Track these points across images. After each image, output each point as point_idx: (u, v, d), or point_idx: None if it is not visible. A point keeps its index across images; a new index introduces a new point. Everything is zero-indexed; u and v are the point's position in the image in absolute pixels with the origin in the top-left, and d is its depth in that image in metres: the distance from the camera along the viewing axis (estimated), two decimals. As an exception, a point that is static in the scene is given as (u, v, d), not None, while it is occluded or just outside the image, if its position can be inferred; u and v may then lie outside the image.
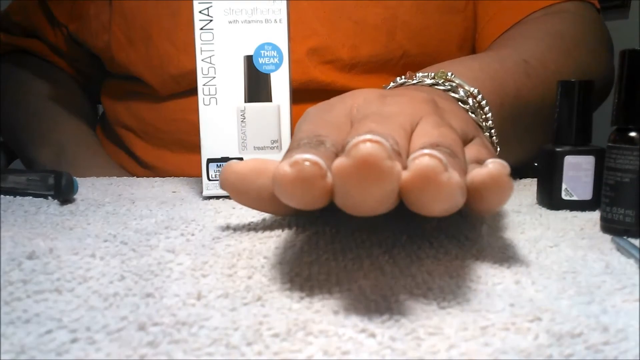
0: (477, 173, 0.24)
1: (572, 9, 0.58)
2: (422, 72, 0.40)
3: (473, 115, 0.37)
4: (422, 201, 0.22)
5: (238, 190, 0.29)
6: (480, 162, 0.29)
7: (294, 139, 0.29)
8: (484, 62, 0.46)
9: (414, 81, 0.39)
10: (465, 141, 0.31)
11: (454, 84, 0.38)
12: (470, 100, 0.38)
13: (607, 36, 0.59)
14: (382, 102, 0.31)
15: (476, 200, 0.25)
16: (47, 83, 0.70)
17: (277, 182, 0.22)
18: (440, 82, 0.38)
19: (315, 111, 0.32)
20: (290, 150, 0.27)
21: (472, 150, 0.31)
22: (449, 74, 0.39)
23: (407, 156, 0.26)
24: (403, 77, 0.41)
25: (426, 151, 0.22)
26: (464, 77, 0.39)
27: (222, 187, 0.29)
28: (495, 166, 0.24)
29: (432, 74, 0.39)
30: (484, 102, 0.38)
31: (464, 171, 0.26)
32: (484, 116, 0.38)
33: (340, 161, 0.20)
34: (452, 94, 0.38)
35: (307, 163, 0.22)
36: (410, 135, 0.28)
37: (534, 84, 0.47)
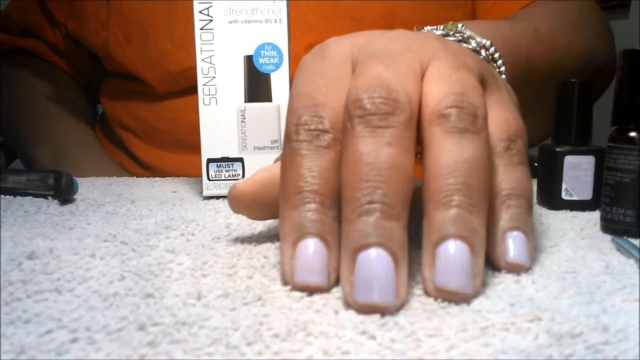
0: (499, 259, 0.26)
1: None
2: (429, 27, 0.38)
3: None
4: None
5: (253, 212, 0.29)
6: (511, 140, 0.27)
7: (290, 109, 0.26)
8: (494, 23, 0.45)
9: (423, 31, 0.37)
10: (483, 84, 0.28)
11: (465, 35, 0.36)
12: (483, 52, 0.36)
13: (608, 23, 0.60)
14: (387, 38, 0.27)
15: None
16: (47, 83, 0.70)
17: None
18: (450, 33, 0.36)
19: (311, 60, 0.28)
20: (289, 140, 0.25)
21: (499, 118, 0.27)
22: (460, 25, 0.37)
23: (420, 103, 0.25)
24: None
25: (453, 285, 0.22)
26: (475, 30, 0.37)
27: (235, 211, 0.29)
28: (517, 261, 0.26)
29: (442, 27, 0.37)
30: (497, 55, 0.36)
31: (488, 144, 0.25)
32: (497, 69, 0.36)
33: (347, 296, 0.22)
34: (464, 45, 0.35)
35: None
36: (422, 77, 0.26)
37: (544, 49, 0.46)
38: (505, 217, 0.26)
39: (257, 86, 0.42)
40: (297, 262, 0.23)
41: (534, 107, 0.45)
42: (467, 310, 0.22)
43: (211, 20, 0.41)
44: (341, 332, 0.20)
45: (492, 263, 0.28)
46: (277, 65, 0.42)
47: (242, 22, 0.41)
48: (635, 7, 1.59)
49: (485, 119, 0.25)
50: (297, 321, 0.21)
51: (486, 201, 0.24)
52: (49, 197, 0.41)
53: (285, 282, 0.25)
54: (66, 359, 0.18)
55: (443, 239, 0.23)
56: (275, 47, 0.42)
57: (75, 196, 0.42)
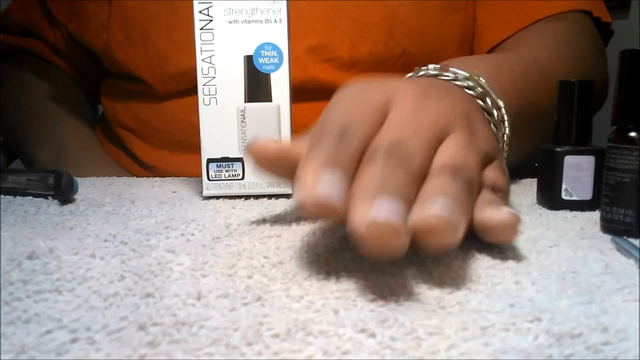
0: (490, 217, 0.28)
1: (573, 18, 0.59)
2: (454, 67, 0.39)
3: (494, 129, 0.38)
4: (423, 242, 0.24)
5: (265, 165, 0.31)
6: (495, 189, 0.32)
7: (324, 118, 0.29)
8: (510, 68, 0.47)
9: (447, 77, 0.39)
10: (486, 161, 0.33)
11: (482, 91, 0.38)
12: (495, 113, 0.38)
13: (603, 48, 0.62)
14: (420, 105, 0.31)
15: (482, 234, 0.29)
16: (47, 83, 0.70)
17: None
18: (472, 84, 0.38)
19: (353, 92, 0.31)
20: (315, 137, 0.28)
21: (491, 174, 0.32)
22: (482, 79, 0.39)
23: (428, 171, 0.28)
24: (436, 65, 0.40)
25: (437, 205, 0.24)
26: (492, 83, 0.39)
27: (251, 156, 0.31)
28: (510, 217, 0.28)
29: (467, 75, 0.39)
30: (505, 116, 0.39)
31: (473, 201, 0.29)
32: (502, 132, 0.39)
33: (358, 226, 0.23)
34: (480, 102, 0.38)
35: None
36: (437, 147, 0.29)
37: (547, 89, 0.48)
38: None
39: (257, 86, 0.42)
40: (318, 184, 0.25)
41: (534, 139, 0.47)
42: (467, 310, 0.22)
43: (211, 20, 0.41)
44: (341, 331, 0.20)
45: (492, 264, 0.28)
46: (277, 65, 0.42)
47: (242, 22, 0.41)
48: (635, 7, 1.59)
49: (473, 186, 0.29)
50: (297, 321, 0.21)
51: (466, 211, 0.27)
52: (49, 197, 0.41)
53: (283, 281, 0.25)
54: (66, 359, 0.18)
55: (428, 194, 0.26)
56: (275, 47, 0.42)
57: (75, 196, 0.42)
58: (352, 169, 0.26)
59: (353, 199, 0.24)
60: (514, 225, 0.28)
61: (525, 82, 0.47)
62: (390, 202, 0.23)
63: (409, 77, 0.40)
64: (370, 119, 0.29)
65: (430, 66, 0.40)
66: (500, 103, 0.38)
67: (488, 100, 0.38)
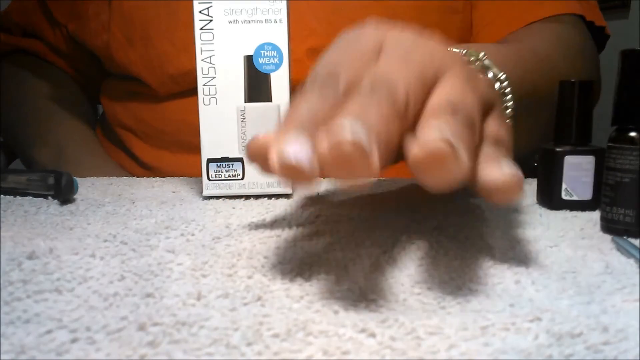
0: (491, 176, 0.25)
1: (570, 21, 0.60)
2: (453, 47, 0.39)
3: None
4: (426, 176, 0.23)
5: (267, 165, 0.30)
6: (497, 142, 0.29)
7: (312, 71, 0.29)
8: (509, 51, 0.47)
9: None
10: (486, 106, 0.31)
11: (483, 65, 0.38)
12: (496, 85, 0.37)
13: (595, 52, 0.62)
14: (414, 44, 0.29)
15: (483, 194, 0.26)
16: (47, 83, 0.70)
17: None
18: (471, 59, 0.38)
19: (344, 38, 0.31)
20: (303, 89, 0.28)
21: (493, 125, 0.30)
22: (481, 53, 0.38)
23: (422, 110, 0.26)
24: None
25: (439, 136, 0.22)
26: (493, 59, 0.39)
27: (252, 159, 0.29)
28: (512, 173, 0.25)
29: (464, 51, 0.38)
30: (508, 90, 0.38)
31: (474, 143, 0.26)
32: (505, 105, 0.38)
33: (322, 150, 0.22)
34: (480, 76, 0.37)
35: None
36: (431, 88, 0.27)
37: (544, 74, 0.48)
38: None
39: (257, 86, 0.42)
40: (284, 145, 0.23)
41: (534, 128, 0.47)
42: (467, 309, 0.22)
43: (211, 20, 0.41)
44: (341, 331, 0.20)
45: (492, 264, 0.28)
46: (277, 65, 0.42)
47: (242, 22, 0.41)
48: (635, 7, 1.59)
49: (474, 125, 0.26)
50: (297, 321, 0.21)
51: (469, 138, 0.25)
52: (49, 197, 0.41)
53: (283, 281, 0.25)
54: (66, 359, 0.18)
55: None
56: (275, 47, 0.42)
57: (75, 196, 0.42)
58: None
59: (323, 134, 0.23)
60: (516, 185, 0.25)
61: (525, 64, 0.47)
62: (357, 124, 0.21)
63: None
64: (359, 59, 0.28)
65: None
66: (503, 76, 0.37)
67: (489, 73, 0.37)
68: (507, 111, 0.38)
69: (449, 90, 0.27)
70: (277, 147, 0.23)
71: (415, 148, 0.22)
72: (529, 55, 0.49)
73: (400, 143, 0.25)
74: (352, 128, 0.21)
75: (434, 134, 0.22)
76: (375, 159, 0.21)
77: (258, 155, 0.29)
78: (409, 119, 0.25)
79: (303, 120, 0.25)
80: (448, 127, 0.23)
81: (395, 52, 0.28)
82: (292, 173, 0.22)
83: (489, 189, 0.26)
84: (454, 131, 0.23)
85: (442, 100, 0.26)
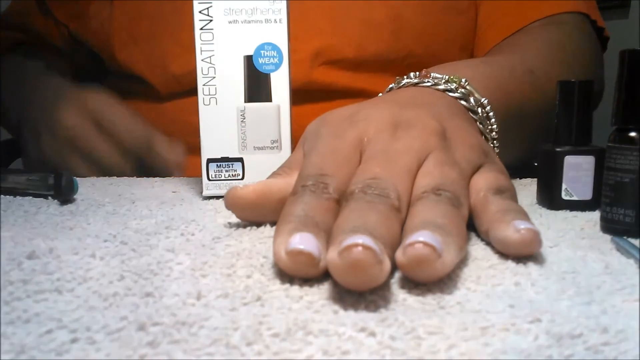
0: (505, 235, 0.28)
1: (571, 20, 0.59)
2: (435, 72, 0.40)
3: (480, 126, 0.39)
4: (416, 277, 0.25)
5: (246, 215, 0.34)
6: (501, 190, 0.31)
7: (300, 175, 0.30)
8: (494, 70, 0.47)
9: (428, 83, 0.40)
10: (474, 169, 0.33)
11: (464, 91, 0.39)
12: (479, 110, 0.39)
13: (599, 51, 0.62)
14: (393, 135, 0.32)
15: (501, 250, 0.29)
16: (45, 63, 0.69)
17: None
18: (453, 87, 0.39)
19: (327, 133, 0.33)
20: (295, 192, 0.29)
21: (489, 178, 0.33)
22: (463, 80, 0.40)
23: (410, 200, 0.29)
24: (417, 73, 0.41)
25: (421, 238, 0.23)
26: (475, 84, 0.40)
27: (229, 208, 0.33)
28: (528, 234, 0.27)
29: (446, 78, 0.40)
30: (491, 114, 0.39)
31: (464, 218, 0.29)
32: (489, 127, 0.39)
33: (332, 257, 0.23)
34: (463, 102, 0.39)
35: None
36: (416, 174, 0.30)
37: (537, 95, 0.48)
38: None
39: (257, 86, 0.42)
40: (291, 239, 0.25)
41: (524, 142, 0.48)
42: (467, 310, 0.22)
43: (211, 20, 0.41)
44: (341, 330, 0.20)
45: (492, 264, 0.28)
46: (277, 65, 0.42)
47: (242, 22, 0.41)
48: (635, 7, 1.58)
49: (459, 199, 0.29)
50: (297, 320, 0.21)
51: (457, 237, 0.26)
52: (49, 197, 0.41)
53: (283, 281, 0.25)
54: (66, 359, 0.18)
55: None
56: (275, 47, 0.42)
57: (75, 196, 0.42)
58: (330, 223, 0.27)
59: (329, 245, 0.24)
60: (534, 241, 0.27)
61: (511, 82, 0.47)
62: (363, 238, 0.22)
63: (390, 87, 0.42)
64: (346, 157, 0.31)
65: (411, 74, 0.41)
66: (485, 101, 0.39)
67: (471, 99, 0.39)
68: (492, 134, 0.40)
69: (430, 172, 0.30)
70: (283, 239, 0.25)
71: (399, 255, 0.24)
72: (518, 68, 0.49)
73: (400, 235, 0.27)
74: (362, 238, 0.22)
75: (417, 247, 0.23)
76: (388, 263, 0.23)
77: (236, 205, 0.32)
78: (404, 211, 0.28)
79: (301, 221, 0.26)
80: (430, 220, 0.26)
81: (378, 150, 0.31)
82: (301, 261, 0.24)
83: (505, 247, 0.28)
84: (440, 215, 0.26)
85: (424, 185, 0.29)
